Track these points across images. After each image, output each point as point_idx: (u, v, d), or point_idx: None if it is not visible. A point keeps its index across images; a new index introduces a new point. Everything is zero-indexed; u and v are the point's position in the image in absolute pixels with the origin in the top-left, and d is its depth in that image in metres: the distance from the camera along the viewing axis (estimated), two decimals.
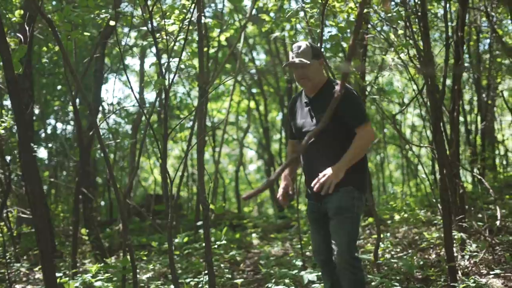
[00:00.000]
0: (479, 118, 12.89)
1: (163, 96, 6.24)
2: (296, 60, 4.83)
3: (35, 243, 10.42)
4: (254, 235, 11.67)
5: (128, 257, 6.04)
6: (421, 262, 7.17)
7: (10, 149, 9.36)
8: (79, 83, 5.50)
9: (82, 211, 9.96)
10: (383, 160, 17.89)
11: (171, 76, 5.84)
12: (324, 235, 4.94)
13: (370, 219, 10.55)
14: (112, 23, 7.21)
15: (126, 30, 13.45)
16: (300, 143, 5.09)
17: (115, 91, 26.59)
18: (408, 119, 16.23)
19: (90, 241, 10.07)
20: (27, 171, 5.26)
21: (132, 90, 6.09)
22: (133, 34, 13.85)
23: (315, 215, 5.03)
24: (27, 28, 5.40)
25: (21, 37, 5.38)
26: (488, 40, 11.87)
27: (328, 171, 4.63)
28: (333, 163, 4.67)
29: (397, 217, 9.61)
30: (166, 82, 5.54)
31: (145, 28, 7.05)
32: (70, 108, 13.95)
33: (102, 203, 15.28)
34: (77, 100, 9.17)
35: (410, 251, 7.99)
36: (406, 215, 9.41)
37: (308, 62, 4.83)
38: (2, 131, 7.94)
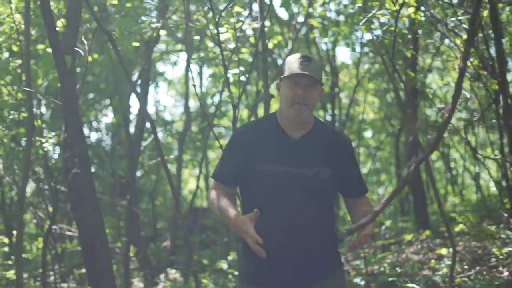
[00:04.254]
0: None
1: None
2: (310, 73, 3.41)
3: (79, 261, 10.15)
4: None
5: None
6: (497, 282, 6.70)
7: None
8: (138, 95, 5.16)
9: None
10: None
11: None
12: None
13: (427, 233, 10.09)
14: (162, 32, 6.93)
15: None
16: (233, 192, 3.60)
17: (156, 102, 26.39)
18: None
19: (138, 260, 9.75)
20: (86, 191, 4.95)
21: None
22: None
23: None
24: (85, 42, 5.07)
25: (81, 51, 5.08)
26: None
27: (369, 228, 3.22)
28: (322, 222, 3.47)
29: (456, 229, 9.13)
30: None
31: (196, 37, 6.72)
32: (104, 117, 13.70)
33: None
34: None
35: (477, 268, 7.52)
36: (465, 228, 8.96)
37: (322, 82, 3.52)
38: (50, 148, 7.69)
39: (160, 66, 16.47)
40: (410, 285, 6.71)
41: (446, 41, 10.46)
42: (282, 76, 3.49)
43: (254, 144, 3.49)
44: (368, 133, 19.64)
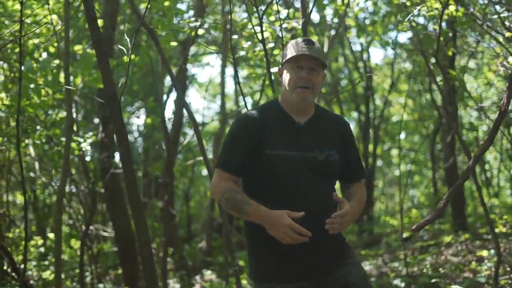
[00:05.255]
0: None
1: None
2: (313, 54, 3.32)
3: (114, 262, 10.17)
4: None
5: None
6: None
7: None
8: (181, 95, 5.12)
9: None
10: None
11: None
12: None
13: (466, 235, 9.95)
14: (200, 31, 6.91)
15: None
16: (239, 183, 3.39)
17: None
18: None
19: (174, 260, 9.73)
20: (130, 192, 4.88)
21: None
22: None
23: None
24: (127, 39, 5.04)
25: (124, 49, 5.05)
26: None
27: (349, 208, 3.23)
28: (333, 207, 3.29)
29: (496, 230, 8.98)
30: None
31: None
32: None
33: None
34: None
35: None
36: (507, 229, 8.80)
37: (325, 64, 3.45)
38: (88, 147, 7.69)
39: (191, 69, 16.48)
40: (453, 286, 6.59)
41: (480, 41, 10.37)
42: (284, 60, 3.38)
43: (262, 130, 3.32)
44: (402, 135, 19.49)
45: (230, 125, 3.40)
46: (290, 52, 3.35)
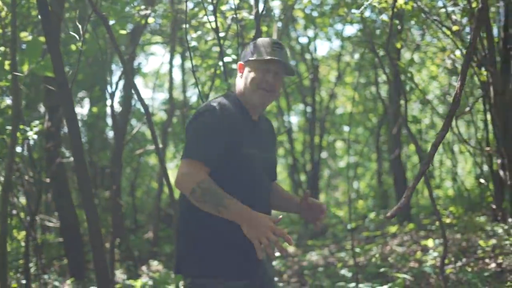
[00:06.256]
0: None
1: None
2: (283, 59, 3.32)
3: (59, 253, 10.02)
4: None
5: None
6: (485, 274, 6.72)
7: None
8: (133, 83, 5.07)
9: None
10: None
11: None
12: None
13: (411, 226, 10.12)
14: (150, 20, 6.86)
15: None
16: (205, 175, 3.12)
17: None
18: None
19: (120, 251, 9.63)
20: (80, 182, 4.82)
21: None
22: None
23: None
24: (79, 26, 4.96)
25: (76, 36, 4.96)
26: None
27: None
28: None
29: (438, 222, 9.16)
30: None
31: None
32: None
33: None
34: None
35: (464, 260, 7.54)
36: (451, 220, 9.00)
37: (293, 71, 3.43)
38: (35, 136, 7.53)
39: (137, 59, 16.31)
40: (401, 275, 6.69)
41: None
42: (252, 59, 3.32)
43: (234, 126, 3.25)
44: (346, 127, 19.69)
45: (198, 114, 3.26)
46: (259, 51, 3.31)
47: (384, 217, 3.40)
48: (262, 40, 3.37)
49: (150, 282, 7.18)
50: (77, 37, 4.89)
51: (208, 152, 3.14)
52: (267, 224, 2.92)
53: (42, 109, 11.27)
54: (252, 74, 3.30)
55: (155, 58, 42.91)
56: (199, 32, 7.11)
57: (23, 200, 9.08)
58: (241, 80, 3.38)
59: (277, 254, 6.99)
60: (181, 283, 6.14)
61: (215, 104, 3.28)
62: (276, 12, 10.26)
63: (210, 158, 3.13)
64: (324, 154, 19.51)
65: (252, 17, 6.32)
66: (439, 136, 2.88)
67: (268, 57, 3.25)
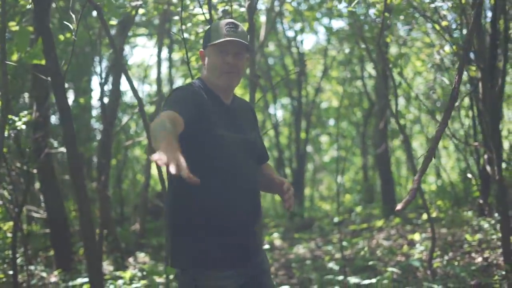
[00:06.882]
0: None
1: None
2: (239, 39, 3.25)
3: (45, 244, 9.97)
4: (275, 234, 11.26)
5: None
6: (472, 267, 6.78)
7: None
8: (126, 72, 5.05)
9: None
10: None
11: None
12: None
13: (397, 220, 10.18)
14: (141, 11, 6.84)
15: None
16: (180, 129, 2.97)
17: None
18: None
19: (107, 242, 9.60)
20: (73, 172, 4.81)
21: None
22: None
23: None
24: (73, 16, 4.94)
25: (71, 26, 4.93)
26: None
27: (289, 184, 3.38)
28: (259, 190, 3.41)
29: (425, 216, 9.22)
30: None
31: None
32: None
33: None
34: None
35: (451, 253, 7.60)
36: (438, 214, 9.07)
37: (251, 48, 3.40)
38: (23, 126, 7.48)
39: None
40: (389, 269, 6.74)
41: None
42: (209, 44, 3.26)
43: (203, 104, 3.21)
44: (331, 121, 19.76)
45: (170, 93, 3.23)
46: (214, 35, 3.26)
47: (396, 210, 3.34)
48: (216, 24, 3.33)
49: (139, 274, 7.17)
50: (71, 26, 4.84)
51: (182, 107, 3.05)
52: (176, 156, 2.53)
53: (26, 99, 11.18)
54: (212, 60, 3.27)
55: (140, 50, 42.74)
56: (189, 24, 7.10)
57: (10, 190, 9.03)
58: (205, 68, 3.36)
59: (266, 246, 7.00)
60: (171, 276, 6.13)
61: (185, 86, 3.31)
62: (263, 6, 10.24)
63: (184, 112, 3.01)
64: (309, 148, 19.56)
65: (243, 9, 6.31)
66: (439, 130, 2.91)
67: (223, 39, 3.20)
